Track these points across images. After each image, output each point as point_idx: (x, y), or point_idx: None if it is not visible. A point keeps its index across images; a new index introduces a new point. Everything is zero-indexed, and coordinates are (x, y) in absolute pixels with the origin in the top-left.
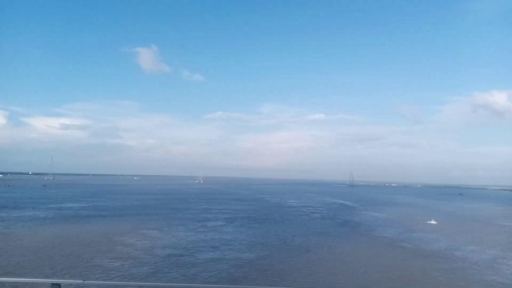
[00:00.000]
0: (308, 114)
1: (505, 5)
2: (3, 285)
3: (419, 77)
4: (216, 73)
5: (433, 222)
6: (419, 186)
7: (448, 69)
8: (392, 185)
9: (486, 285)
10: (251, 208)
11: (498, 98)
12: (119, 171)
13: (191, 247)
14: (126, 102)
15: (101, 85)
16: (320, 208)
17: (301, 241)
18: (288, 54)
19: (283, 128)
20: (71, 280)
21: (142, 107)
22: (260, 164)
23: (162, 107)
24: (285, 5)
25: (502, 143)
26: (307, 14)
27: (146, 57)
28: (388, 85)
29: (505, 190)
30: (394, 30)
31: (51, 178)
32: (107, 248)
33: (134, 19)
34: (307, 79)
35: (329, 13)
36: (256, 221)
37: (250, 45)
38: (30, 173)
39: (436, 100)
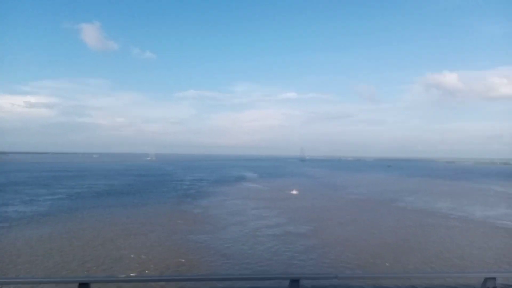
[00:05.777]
0: (281, 93)
1: None
2: None
3: (388, 57)
4: (168, 50)
5: (294, 192)
6: (371, 160)
7: (415, 51)
8: (348, 159)
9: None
10: (128, 183)
11: (449, 78)
12: (88, 150)
13: None
14: (95, 80)
15: (47, 62)
16: (207, 181)
17: (93, 211)
18: (260, 34)
19: (255, 107)
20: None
21: (112, 86)
22: (232, 142)
23: (132, 86)
24: None
25: (463, 119)
26: None
27: (90, 34)
28: (359, 65)
29: (448, 162)
30: (365, 13)
31: None
32: None
33: None
34: (279, 59)
35: None
36: (101, 195)
37: (219, 23)
38: None
39: (404, 80)
